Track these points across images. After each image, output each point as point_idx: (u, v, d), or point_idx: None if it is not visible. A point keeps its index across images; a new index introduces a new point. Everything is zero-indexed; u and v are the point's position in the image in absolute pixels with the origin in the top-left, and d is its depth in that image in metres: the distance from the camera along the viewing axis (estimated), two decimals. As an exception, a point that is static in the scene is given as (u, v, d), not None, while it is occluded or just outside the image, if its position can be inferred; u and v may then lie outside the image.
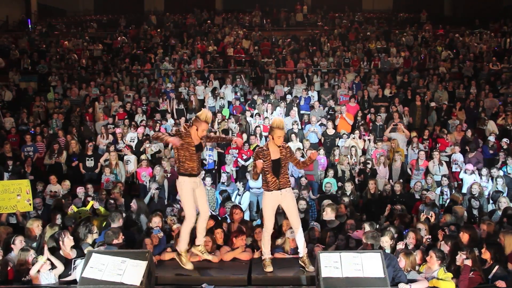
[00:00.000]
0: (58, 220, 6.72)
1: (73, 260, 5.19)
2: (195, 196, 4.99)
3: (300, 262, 5.08)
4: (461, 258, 4.80)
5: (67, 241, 5.22)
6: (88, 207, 6.96)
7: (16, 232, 5.98)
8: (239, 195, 8.60)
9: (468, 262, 4.73)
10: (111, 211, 6.80)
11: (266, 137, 11.09)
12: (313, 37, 18.69)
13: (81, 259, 4.91)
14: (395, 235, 5.46)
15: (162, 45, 17.63)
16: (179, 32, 19.27)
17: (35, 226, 6.06)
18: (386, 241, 5.23)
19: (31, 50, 17.19)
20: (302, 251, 5.07)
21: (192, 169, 4.88)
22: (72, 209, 6.70)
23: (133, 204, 7.31)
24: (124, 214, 6.85)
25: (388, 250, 5.15)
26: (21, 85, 14.93)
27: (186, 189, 4.93)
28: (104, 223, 6.72)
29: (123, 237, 5.47)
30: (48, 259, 4.91)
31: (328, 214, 6.68)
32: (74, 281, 4.83)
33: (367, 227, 5.86)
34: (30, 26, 20.29)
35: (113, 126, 11.60)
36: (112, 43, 18.31)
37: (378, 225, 6.42)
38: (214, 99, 13.21)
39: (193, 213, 4.96)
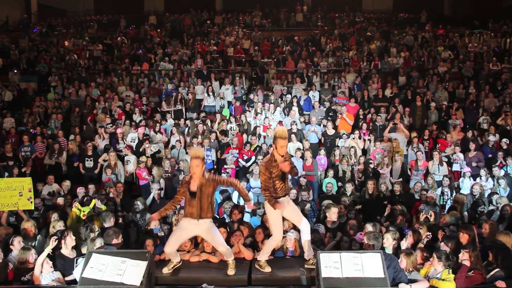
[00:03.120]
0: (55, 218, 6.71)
1: (75, 259, 5.20)
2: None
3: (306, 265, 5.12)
4: (462, 257, 4.80)
5: (69, 241, 5.23)
6: (91, 205, 6.96)
7: (16, 232, 5.97)
8: (242, 195, 8.54)
9: (466, 262, 4.74)
10: (104, 211, 6.78)
11: (265, 137, 11.11)
12: (313, 37, 18.70)
13: (83, 258, 4.91)
14: (397, 236, 5.43)
15: (162, 46, 17.65)
16: (177, 32, 19.27)
17: (30, 226, 6.08)
18: (388, 242, 5.22)
19: (31, 50, 17.19)
20: (308, 253, 5.11)
21: (191, 214, 4.82)
22: (76, 206, 6.70)
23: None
24: (120, 214, 6.85)
25: (390, 251, 5.13)
26: (21, 85, 14.94)
27: (179, 226, 5.02)
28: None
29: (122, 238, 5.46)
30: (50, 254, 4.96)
31: (335, 214, 6.68)
32: (74, 281, 4.83)
33: (369, 227, 5.82)
34: (32, 26, 20.26)
35: (113, 126, 11.59)
36: (112, 43, 18.31)
37: (380, 226, 6.39)
38: (211, 98, 13.18)
39: (169, 250, 4.95)
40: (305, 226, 5.10)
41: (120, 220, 6.82)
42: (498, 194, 8.31)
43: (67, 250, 5.24)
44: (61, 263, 5.13)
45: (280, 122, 11.68)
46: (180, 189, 4.90)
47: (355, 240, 5.94)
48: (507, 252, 5.06)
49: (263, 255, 5.12)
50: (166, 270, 5.02)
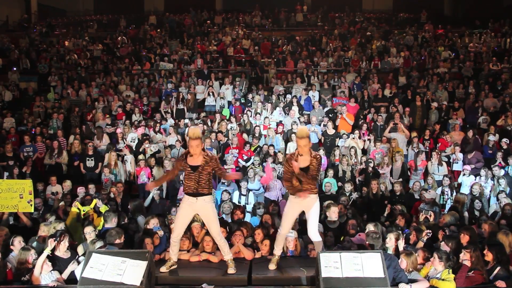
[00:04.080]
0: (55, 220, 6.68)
1: (77, 258, 5.20)
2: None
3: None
4: (463, 257, 4.80)
5: (62, 246, 5.23)
6: (92, 205, 6.96)
7: (14, 233, 5.95)
8: (243, 195, 8.56)
9: (467, 263, 4.73)
10: (106, 211, 6.76)
11: (266, 136, 11.10)
12: (313, 37, 18.69)
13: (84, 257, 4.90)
14: (400, 236, 5.42)
15: (160, 45, 17.63)
16: (175, 32, 19.25)
17: (41, 232, 5.99)
18: (391, 242, 5.21)
19: (30, 50, 17.19)
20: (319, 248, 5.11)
21: (189, 187, 4.87)
22: (76, 205, 6.68)
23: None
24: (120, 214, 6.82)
25: (390, 251, 5.13)
26: (21, 85, 14.93)
27: (180, 206, 5.06)
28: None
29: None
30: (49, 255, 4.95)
31: (336, 214, 6.67)
32: (73, 281, 4.82)
33: (371, 227, 5.79)
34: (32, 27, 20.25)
35: (113, 126, 11.59)
36: (112, 43, 18.31)
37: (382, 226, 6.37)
38: (211, 97, 13.17)
39: (176, 232, 5.02)
40: (315, 239, 5.12)
41: (126, 220, 6.80)
42: (505, 193, 8.28)
43: (60, 252, 5.24)
44: (57, 264, 5.12)
45: (280, 122, 11.69)
46: (177, 163, 5.10)
47: (352, 242, 5.93)
48: (503, 248, 5.08)
49: (277, 250, 5.19)
50: (164, 269, 5.02)
